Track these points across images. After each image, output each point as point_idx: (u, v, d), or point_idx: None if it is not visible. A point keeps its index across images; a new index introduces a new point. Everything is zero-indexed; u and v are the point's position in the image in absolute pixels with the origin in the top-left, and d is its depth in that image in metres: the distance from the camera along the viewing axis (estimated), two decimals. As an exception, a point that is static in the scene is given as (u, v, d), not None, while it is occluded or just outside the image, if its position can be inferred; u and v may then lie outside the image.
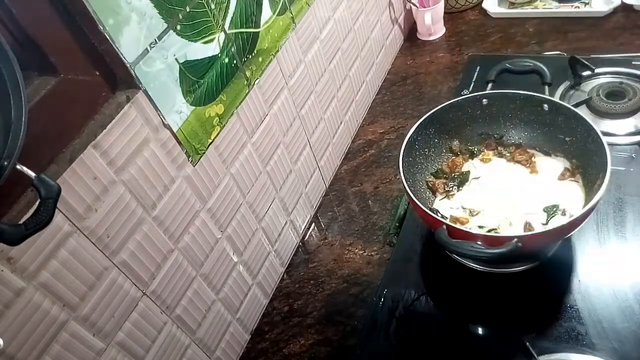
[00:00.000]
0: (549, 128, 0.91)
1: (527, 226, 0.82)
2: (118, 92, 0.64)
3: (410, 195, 0.80)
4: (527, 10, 1.39)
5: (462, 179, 0.93)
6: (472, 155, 0.97)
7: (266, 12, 0.86)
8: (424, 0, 1.41)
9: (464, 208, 0.89)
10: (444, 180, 0.94)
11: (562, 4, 1.35)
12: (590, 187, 0.82)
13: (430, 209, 0.88)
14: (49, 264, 0.57)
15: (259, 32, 0.85)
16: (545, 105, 0.89)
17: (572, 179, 0.87)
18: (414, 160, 0.92)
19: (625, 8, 1.27)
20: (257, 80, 0.86)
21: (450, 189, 0.93)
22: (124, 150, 0.64)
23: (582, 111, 0.90)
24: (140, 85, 0.64)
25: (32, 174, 0.48)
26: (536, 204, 0.85)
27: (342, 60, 1.15)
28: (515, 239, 0.69)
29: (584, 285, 0.80)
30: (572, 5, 1.33)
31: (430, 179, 0.94)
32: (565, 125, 0.87)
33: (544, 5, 1.38)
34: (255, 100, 0.87)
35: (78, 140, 0.59)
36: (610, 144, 0.78)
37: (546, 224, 0.82)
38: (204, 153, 0.77)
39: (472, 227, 0.85)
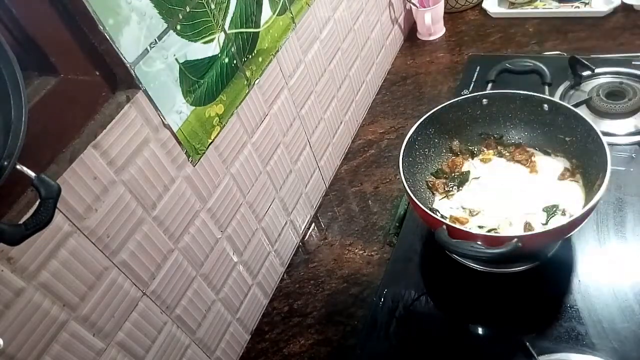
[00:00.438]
0: (549, 128, 0.91)
1: (527, 226, 0.82)
2: (118, 92, 0.64)
3: (410, 195, 0.80)
4: (527, 10, 1.38)
5: (462, 179, 0.93)
6: (472, 155, 0.97)
7: (266, 12, 0.86)
8: (424, 0, 1.41)
9: (463, 208, 0.89)
10: (444, 180, 0.94)
11: (562, 4, 1.35)
12: (590, 187, 0.82)
13: (430, 209, 0.88)
14: (49, 264, 0.57)
15: (259, 32, 0.85)
16: (545, 105, 0.89)
17: (572, 179, 0.87)
18: (414, 160, 0.92)
19: (625, 8, 1.27)
20: (257, 80, 0.86)
21: (450, 188, 0.93)
22: (124, 150, 0.64)
23: (582, 111, 0.90)
24: (140, 85, 0.64)
25: (32, 174, 0.48)
26: (536, 203, 0.85)
27: (342, 60, 1.15)
28: (515, 239, 0.69)
29: (584, 285, 0.80)
30: (572, 5, 1.33)
31: (430, 179, 0.94)
32: (565, 125, 0.87)
33: (544, 5, 1.38)
34: (255, 100, 0.87)
35: (78, 140, 0.59)
36: (610, 144, 0.78)
37: (546, 224, 0.82)
38: (204, 153, 0.77)
39: (472, 227, 0.85)
